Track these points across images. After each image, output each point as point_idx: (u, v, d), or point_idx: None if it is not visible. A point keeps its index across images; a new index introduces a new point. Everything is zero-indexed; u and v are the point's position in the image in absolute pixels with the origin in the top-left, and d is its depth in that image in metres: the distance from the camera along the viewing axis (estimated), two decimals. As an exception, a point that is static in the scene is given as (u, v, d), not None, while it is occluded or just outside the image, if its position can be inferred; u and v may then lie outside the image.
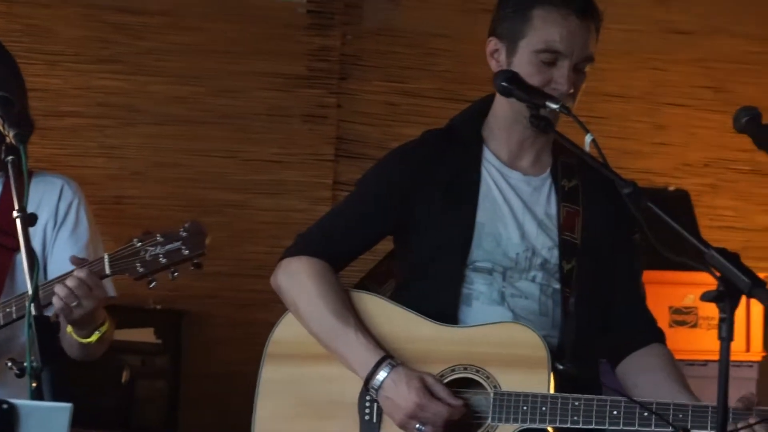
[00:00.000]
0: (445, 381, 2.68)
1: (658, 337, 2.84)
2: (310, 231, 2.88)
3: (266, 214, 4.66)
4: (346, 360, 2.72)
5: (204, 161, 4.71)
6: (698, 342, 4.53)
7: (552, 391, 2.61)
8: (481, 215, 2.79)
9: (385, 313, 2.77)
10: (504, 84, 2.68)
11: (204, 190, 4.71)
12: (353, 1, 4.82)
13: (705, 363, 4.46)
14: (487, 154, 2.84)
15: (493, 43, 2.80)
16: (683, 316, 4.56)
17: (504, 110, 2.83)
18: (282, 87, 4.70)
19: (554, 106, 2.58)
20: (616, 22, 5.09)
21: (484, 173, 2.82)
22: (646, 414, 2.53)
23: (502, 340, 2.66)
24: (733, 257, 2.14)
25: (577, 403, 2.58)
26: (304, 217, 4.50)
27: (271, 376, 2.78)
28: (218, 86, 4.70)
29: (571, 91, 2.72)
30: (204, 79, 4.71)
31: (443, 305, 2.76)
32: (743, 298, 2.14)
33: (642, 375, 2.75)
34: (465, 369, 2.68)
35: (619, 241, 2.84)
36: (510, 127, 2.83)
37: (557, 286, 2.77)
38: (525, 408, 2.60)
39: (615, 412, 2.56)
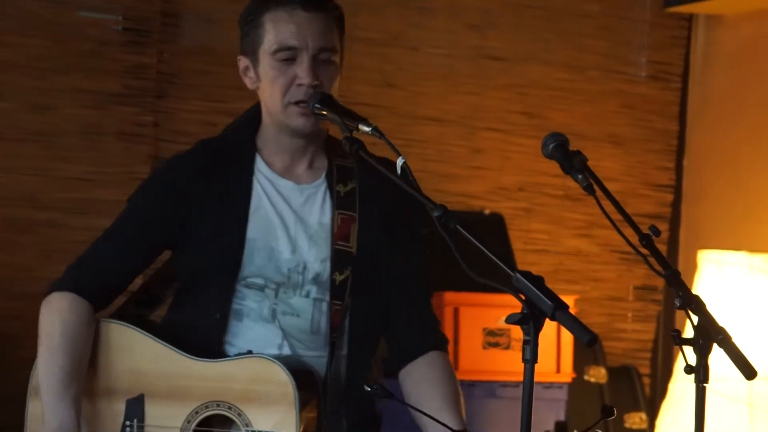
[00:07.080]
0: (199, 417, 2.65)
1: (437, 343, 2.81)
2: (78, 262, 2.80)
3: (78, 233, 4.55)
4: (46, 421, 2.65)
5: (14, 179, 4.58)
6: (511, 364, 4.59)
7: (300, 429, 2.58)
8: (252, 230, 2.73)
9: (140, 348, 2.71)
10: (317, 105, 2.68)
11: (14, 209, 4.59)
12: (170, 19, 4.77)
13: (517, 384, 4.52)
14: (260, 164, 2.78)
15: (241, 62, 2.80)
16: (497, 338, 4.60)
17: (267, 120, 2.80)
18: (95, 104, 4.62)
19: (367, 128, 2.58)
20: (433, 46, 5.16)
21: (256, 185, 2.76)
22: None
23: (251, 376, 2.63)
24: (537, 280, 2.18)
25: None
26: (118, 236, 4.41)
27: (34, 411, 2.73)
28: (29, 102, 4.59)
29: (316, 82, 2.69)
30: (14, 96, 4.59)
31: (213, 322, 2.71)
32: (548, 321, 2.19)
33: (414, 387, 2.74)
34: (218, 405, 2.65)
35: (396, 242, 2.79)
36: (278, 136, 2.79)
37: (329, 299, 2.73)
38: None
39: None
